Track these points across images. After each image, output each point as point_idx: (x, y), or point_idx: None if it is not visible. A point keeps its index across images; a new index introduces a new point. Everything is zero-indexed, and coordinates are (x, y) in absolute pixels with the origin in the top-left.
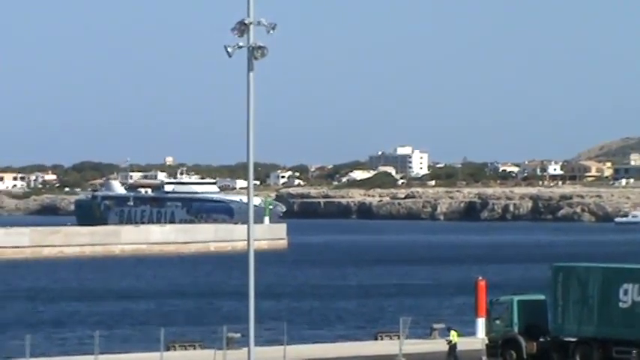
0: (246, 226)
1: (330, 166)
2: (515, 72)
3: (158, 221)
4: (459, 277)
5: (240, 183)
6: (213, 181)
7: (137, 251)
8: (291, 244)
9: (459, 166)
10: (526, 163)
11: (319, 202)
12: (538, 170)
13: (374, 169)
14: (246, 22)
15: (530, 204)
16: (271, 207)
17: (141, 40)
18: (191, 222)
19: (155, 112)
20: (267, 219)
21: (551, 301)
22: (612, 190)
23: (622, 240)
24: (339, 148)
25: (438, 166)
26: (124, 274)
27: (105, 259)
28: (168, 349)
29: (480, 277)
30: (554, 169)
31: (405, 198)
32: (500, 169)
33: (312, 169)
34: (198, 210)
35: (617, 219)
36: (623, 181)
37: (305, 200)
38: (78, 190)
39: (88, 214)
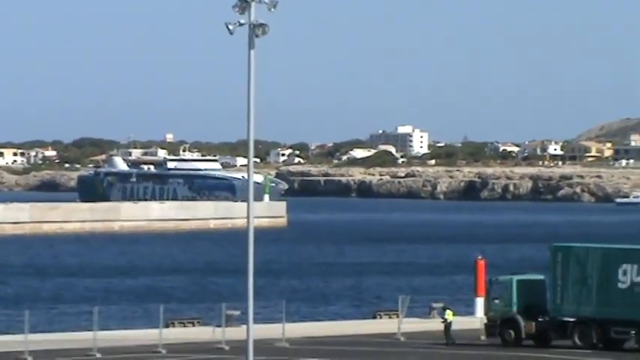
0: (245, 203)
1: (330, 145)
2: (515, 52)
3: (160, 198)
4: (459, 256)
5: (241, 160)
6: (216, 158)
7: (137, 228)
8: (291, 221)
9: (460, 145)
10: (526, 143)
11: (319, 180)
12: (538, 150)
13: (374, 148)
14: None
15: (530, 184)
16: (273, 184)
17: (141, 17)
18: (193, 199)
19: (156, 88)
20: (266, 197)
21: (550, 281)
22: (612, 171)
23: (623, 221)
24: (339, 127)
25: (438, 145)
26: (123, 250)
27: (104, 236)
28: (167, 326)
29: (480, 257)
30: (555, 149)
31: (405, 177)
32: (501, 148)
33: (313, 147)
34: (201, 187)
35: (618, 199)
36: (623, 162)
37: (305, 178)
38: (78, 166)
39: (91, 191)
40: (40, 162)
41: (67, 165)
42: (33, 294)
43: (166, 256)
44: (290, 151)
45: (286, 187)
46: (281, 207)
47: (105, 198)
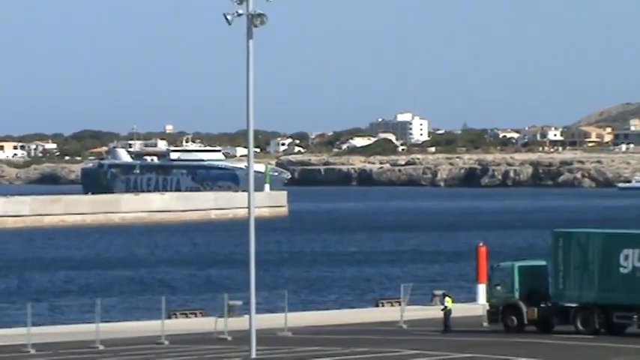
0: (246, 193)
1: (330, 133)
2: (515, 38)
3: (164, 189)
4: (460, 243)
5: (241, 151)
6: (219, 148)
7: (138, 219)
8: (291, 211)
9: (459, 132)
10: (526, 129)
11: (319, 170)
12: (538, 136)
13: (374, 136)
14: None
15: (530, 170)
16: (276, 174)
17: (139, 9)
18: (197, 190)
19: (155, 80)
20: (267, 186)
21: (552, 266)
22: (612, 156)
23: (626, 205)
24: (339, 115)
25: (438, 132)
26: (123, 242)
27: (105, 228)
28: (169, 317)
29: (481, 243)
30: (555, 135)
31: (406, 165)
32: (501, 135)
33: (313, 137)
34: (204, 178)
35: (620, 184)
36: (623, 147)
37: (305, 167)
38: (78, 158)
39: (95, 183)
40: (41, 155)
41: (67, 158)
42: (35, 287)
43: (167, 248)
44: (290, 140)
45: (289, 176)
46: (282, 196)
47: (109, 190)
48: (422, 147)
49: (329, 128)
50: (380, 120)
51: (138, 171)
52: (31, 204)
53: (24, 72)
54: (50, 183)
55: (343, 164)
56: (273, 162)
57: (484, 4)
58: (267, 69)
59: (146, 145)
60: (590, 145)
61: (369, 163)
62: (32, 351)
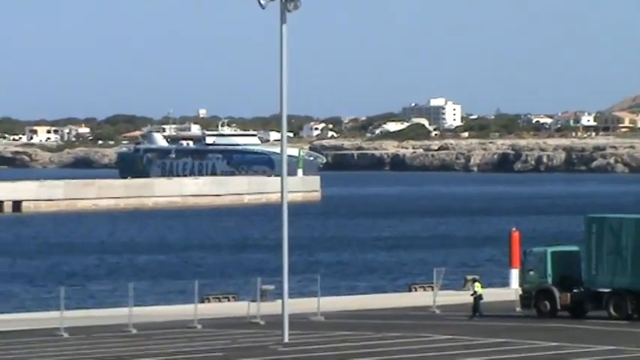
0: (279, 177)
1: (363, 118)
2: (548, 23)
3: (200, 173)
4: (493, 228)
5: (274, 135)
6: (254, 133)
7: (171, 204)
8: (324, 196)
9: (492, 117)
10: (559, 114)
11: (352, 154)
12: (571, 121)
13: (407, 121)
14: None
15: (563, 155)
16: (311, 158)
17: None
18: (232, 174)
19: (188, 64)
20: (300, 171)
21: (585, 252)
22: None
23: None
24: (372, 100)
25: (471, 117)
26: (156, 226)
27: (138, 212)
28: (202, 301)
29: (514, 229)
30: (588, 120)
31: (439, 150)
32: (534, 120)
33: (346, 121)
34: (239, 162)
35: None
36: None
37: (338, 152)
38: (111, 142)
39: (131, 167)
40: (74, 139)
41: (100, 142)
42: (67, 270)
43: (200, 232)
44: (323, 125)
45: (324, 160)
46: (315, 181)
47: (145, 174)
48: (455, 132)
49: (362, 113)
50: (413, 105)
51: (174, 155)
52: (64, 188)
53: (58, 57)
54: (83, 167)
55: (376, 149)
56: (307, 147)
57: None
58: (301, 53)
59: (180, 130)
60: (623, 130)
61: (402, 148)
62: (65, 334)
